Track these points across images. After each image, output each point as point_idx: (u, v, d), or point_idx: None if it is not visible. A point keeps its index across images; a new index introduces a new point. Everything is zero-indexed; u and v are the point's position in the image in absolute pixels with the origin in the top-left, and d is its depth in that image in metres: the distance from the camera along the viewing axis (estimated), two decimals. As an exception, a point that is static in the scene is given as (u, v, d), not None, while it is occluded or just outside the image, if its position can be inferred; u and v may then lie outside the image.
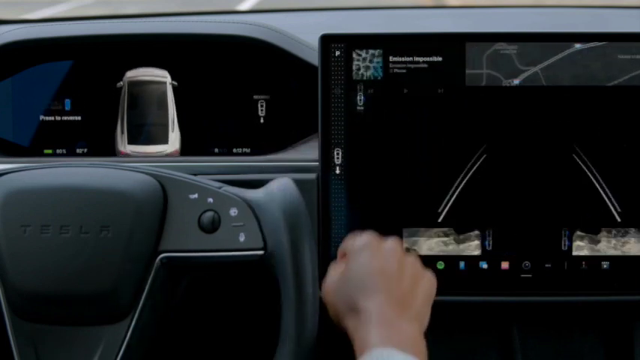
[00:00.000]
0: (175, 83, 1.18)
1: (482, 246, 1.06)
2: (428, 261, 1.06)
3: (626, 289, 1.06)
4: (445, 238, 1.06)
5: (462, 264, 1.06)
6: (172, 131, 1.18)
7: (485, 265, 1.06)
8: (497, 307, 1.12)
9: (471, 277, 1.06)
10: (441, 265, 1.06)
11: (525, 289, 1.06)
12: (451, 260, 1.06)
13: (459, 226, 1.06)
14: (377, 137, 1.05)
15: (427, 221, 1.06)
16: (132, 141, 1.18)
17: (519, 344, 1.31)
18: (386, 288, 0.80)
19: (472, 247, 1.06)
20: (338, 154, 1.05)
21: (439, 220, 1.06)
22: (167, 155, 1.18)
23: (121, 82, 1.18)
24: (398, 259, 0.82)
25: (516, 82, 1.04)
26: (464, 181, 1.06)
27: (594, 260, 1.05)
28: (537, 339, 1.32)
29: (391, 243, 0.84)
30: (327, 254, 1.05)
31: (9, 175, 0.94)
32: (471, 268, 1.06)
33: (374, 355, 0.73)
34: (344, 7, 1.81)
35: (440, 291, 1.07)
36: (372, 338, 0.75)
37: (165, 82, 1.18)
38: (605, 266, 1.06)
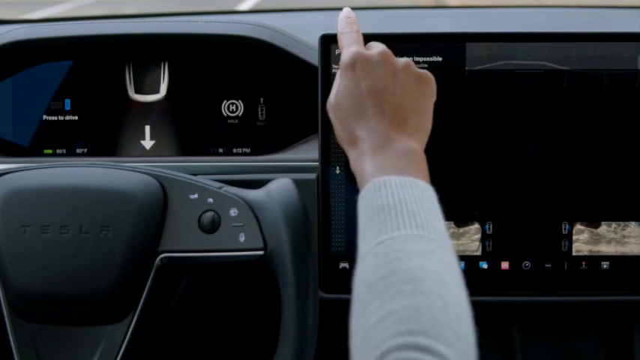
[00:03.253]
0: None
1: (482, 238, 1.05)
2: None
3: (625, 289, 1.06)
4: None
5: (462, 264, 1.06)
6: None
7: (485, 265, 1.06)
8: (497, 307, 1.11)
9: (471, 277, 1.06)
10: (441, 265, 1.06)
11: (525, 289, 1.06)
12: (451, 260, 1.06)
13: (458, 218, 1.05)
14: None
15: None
16: None
17: (519, 344, 1.31)
18: (377, 107, 0.77)
19: (472, 234, 1.05)
20: (338, 154, 1.05)
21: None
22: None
23: None
24: (388, 72, 0.78)
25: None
26: (465, 176, 1.05)
27: (594, 260, 1.05)
28: (537, 339, 1.32)
29: (378, 54, 0.80)
30: (327, 254, 1.05)
31: (9, 175, 0.94)
32: (471, 268, 1.06)
33: (370, 187, 0.72)
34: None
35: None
36: (368, 169, 0.74)
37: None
38: (605, 266, 1.06)
